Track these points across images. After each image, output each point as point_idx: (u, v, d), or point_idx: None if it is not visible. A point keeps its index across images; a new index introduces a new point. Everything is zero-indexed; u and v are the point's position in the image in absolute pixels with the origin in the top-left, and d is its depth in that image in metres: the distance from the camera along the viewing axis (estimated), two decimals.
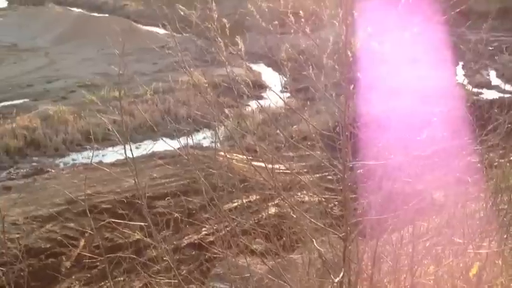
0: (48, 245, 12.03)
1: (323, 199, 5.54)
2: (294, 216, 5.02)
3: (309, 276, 4.39)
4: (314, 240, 3.20)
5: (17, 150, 21.31)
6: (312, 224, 4.26)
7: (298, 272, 5.65)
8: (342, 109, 3.00)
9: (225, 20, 4.50)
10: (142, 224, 4.60)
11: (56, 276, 10.56)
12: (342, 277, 2.99)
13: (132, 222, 4.84)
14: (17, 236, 12.22)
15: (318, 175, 6.72)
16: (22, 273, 10.33)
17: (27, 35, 48.81)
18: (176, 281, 4.62)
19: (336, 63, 3.25)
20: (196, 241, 11.69)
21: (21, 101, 29.05)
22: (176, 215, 8.06)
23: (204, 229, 12.13)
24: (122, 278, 10.23)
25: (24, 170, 19.01)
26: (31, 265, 10.71)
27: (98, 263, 10.94)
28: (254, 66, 26.54)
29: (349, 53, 2.86)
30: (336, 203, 9.46)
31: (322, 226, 3.53)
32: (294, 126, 15.06)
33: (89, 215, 4.90)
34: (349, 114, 3.04)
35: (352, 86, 3.02)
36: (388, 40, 3.37)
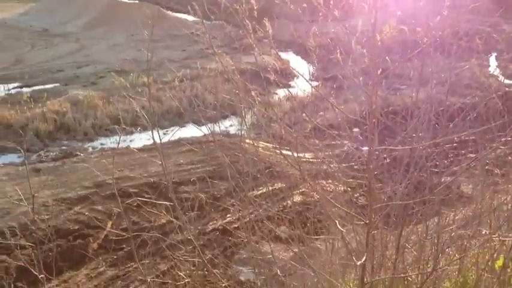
0: (76, 227, 12.30)
1: (348, 188, 5.53)
2: (319, 203, 5.04)
3: (332, 262, 4.42)
4: (339, 226, 3.22)
5: (47, 133, 21.78)
6: (337, 212, 4.28)
7: (322, 258, 5.69)
8: (369, 95, 3.00)
9: (253, 1, 4.50)
10: (168, 203, 4.67)
11: (83, 257, 10.81)
12: (365, 261, 3.01)
13: (160, 202, 4.92)
14: (46, 217, 12.53)
15: (344, 164, 6.71)
16: (50, 253, 10.65)
17: (58, 21, 49.58)
18: (200, 260, 4.69)
19: (365, 49, 3.24)
20: (220, 226, 11.80)
21: (51, 85, 29.62)
22: (202, 198, 8.19)
23: (228, 215, 12.26)
24: (147, 261, 10.38)
25: (54, 153, 19.43)
26: (59, 246, 10.97)
27: (124, 245, 11.14)
28: (282, 54, 26.47)
29: (378, 37, 2.86)
30: (362, 192, 9.45)
31: (348, 211, 3.55)
32: (320, 113, 15.05)
33: (118, 198, 4.98)
34: (377, 101, 3.04)
35: (379, 72, 3.01)
36: (418, 27, 3.35)
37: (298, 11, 4.06)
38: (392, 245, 4.33)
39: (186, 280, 5.14)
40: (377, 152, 3.18)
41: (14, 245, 5.96)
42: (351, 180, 4.38)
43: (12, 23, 50.16)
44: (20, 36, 44.14)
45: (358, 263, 2.91)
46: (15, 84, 30.18)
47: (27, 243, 6.13)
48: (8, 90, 29.13)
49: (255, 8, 3.61)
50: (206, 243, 11.88)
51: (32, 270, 4.49)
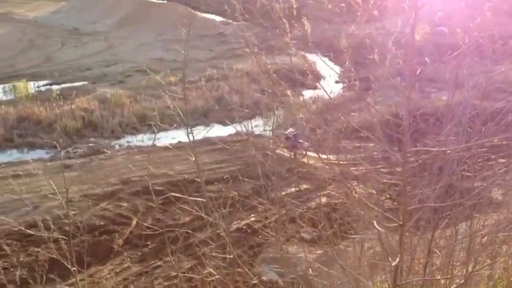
0: (102, 223, 12.46)
1: (374, 191, 5.48)
2: (347, 205, 5.01)
3: (361, 263, 4.39)
4: (377, 227, 3.20)
5: (75, 130, 22.10)
6: (364, 214, 4.25)
7: (349, 260, 5.66)
8: (406, 96, 2.98)
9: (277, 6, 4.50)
10: (200, 200, 4.70)
11: (109, 252, 10.96)
12: (398, 262, 2.98)
13: (191, 198, 4.95)
14: (73, 212, 12.74)
15: (372, 167, 6.65)
16: (77, 247, 10.80)
17: (88, 20, 50.30)
18: (230, 256, 4.71)
19: (399, 51, 3.22)
20: (244, 226, 11.83)
21: (80, 83, 30.07)
22: (228, 197, 8.23)
23: (253, 215, 12.29)
24: (172, 258, 10.46)
25: (82, 150, 19.71)
26: (85, 240, 11.13)
27: (149, 242, 11.25)
28: (310, 56, 26.35)
29: (416, 37, 2.83)
30: (388, 195, 9.35)
31: (383, 213, 3.52)
32: (353, 114, 14.97)
33: (154, 196, 5.02)
34: (411, 102, 3.02)
35: (415, 73, 2.98)
36: (455, 29, 3.31)
37: (327, 12, 4.06)
38: (420, 249, 4.29)
39: (216, 277, 5.15)
40: (409, 155, 3.15)
41: (47, 238, 6.07)
42: (382, 182, 4.32)
43: (44, 21, 51.08)
44: (51, 34, 44.94)
45: (394, 263, 2.88)
46: (45, 82, 30.74)
47: (61, 237, 6.22)
48: (38, 87, 29.71)
49: (293, 7, 3.61)
50: (230, 242, 11.95)
51: (65, 263, 4.57)
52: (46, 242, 11.56)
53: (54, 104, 23.95)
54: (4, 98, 27.05)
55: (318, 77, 20.84)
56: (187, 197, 5.03)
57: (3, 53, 37.74)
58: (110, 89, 27.36)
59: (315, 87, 18.32)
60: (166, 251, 10.48)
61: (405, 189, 3.08)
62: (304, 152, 18.83)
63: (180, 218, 12.67)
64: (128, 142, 21.47)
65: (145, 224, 12.35)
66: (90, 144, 20.84)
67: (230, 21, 46.13)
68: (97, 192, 14.04)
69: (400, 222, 3.09)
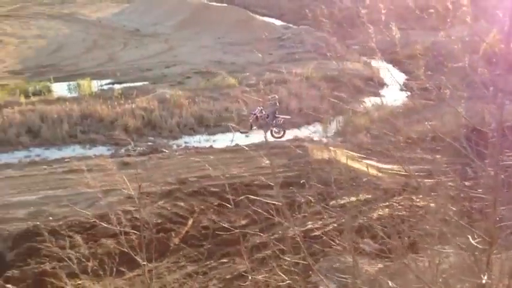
0: (159, 220, 12.68)
1: (447, 205, 5.28)
2: (414, 218, 4.87)
3: (436, 280, 4.21)
4: (459, 243, 3.06)
5: (135, 129, 22.67)
6: (438, 229, 4.09)
7: (410, 276, 5.48)
8: (497, 106, 2.85)
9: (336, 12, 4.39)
10: (272, 201, 4.68)
11: (165, 250, 11.13)
12: (485, 282, 2.84)
13: (269, 201, 4.94)
14: (132, 208, 13.04)
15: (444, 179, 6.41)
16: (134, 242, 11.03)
17: (149, 21, 51.56)
18: (305, 262, 4.66)
19: (478, 60, 3.10)
20: (302, 233, 11.73)
21: (141, 83, 30.85)
22: (282, 203, 8.19)
23: (310, 222, 12.16)
24: (225, 260, 10.55)
25: (141, 148, 20.18)
26: (143, 237, 11.35)
27: (205, 243, 11.33)
28: (373, 62, 25.96)
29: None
30: (465, 209, 9.04)
31: (467, 227, 3.38)
32: (428, 122, 14.51)
33: (232, 198, 5.04)
34: (503, 114, 2.88)
35: (508, 84, 2.85)
36: None
37: (393, 18, 3.95)
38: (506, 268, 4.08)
39: (287, 282, 5.11)
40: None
41: (118, 231, 6.30)
42: (456, 195, 4.16)
43: (107, 22, 52.75)
44: (114, 35, 46.35)
45: (484, 280, 2.75)
46: (108, 81, 31.72)
47: (132, 231, 6.44)
48: (101, 86, 30.69)
49: (358, 13, 3.54)
50: (284, 249, 11.88)
51: (136, 257, 4.66)
52: (107, 235, 11.92)
53: (116, 103, 24.67)
54: (69, 96, 28.07)
55: (381, 84, 20.47)
56: (262, 199, 5.00)
57: (69, 52, 39.25)
58: (169, 89, 27.89)
59: (378, 95, 17.97)
60: (222, 252, 10.61)
61: (495, 204, 2.94)
62: (282, 132, 17.78)
63: (236, 221, 12.73)
64: (186, 142, 21.81)
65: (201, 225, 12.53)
66: (149, 143, 21.32)
67: (290, 25, 46.23)
68: (155, 191, 14.30)
69: (489, 240, 2.95)
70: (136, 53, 39.31)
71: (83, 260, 7.07)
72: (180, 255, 11.04)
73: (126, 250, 6.40)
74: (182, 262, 10.81)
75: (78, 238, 10.62)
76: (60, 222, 12.82)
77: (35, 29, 47.65)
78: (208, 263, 10.61)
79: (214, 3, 55.05)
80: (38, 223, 12.82)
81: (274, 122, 17.45)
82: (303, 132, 20.15)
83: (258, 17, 48.48)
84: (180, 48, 40.36)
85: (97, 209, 13.52)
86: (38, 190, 15.15)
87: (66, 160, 18.51)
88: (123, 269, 7.47)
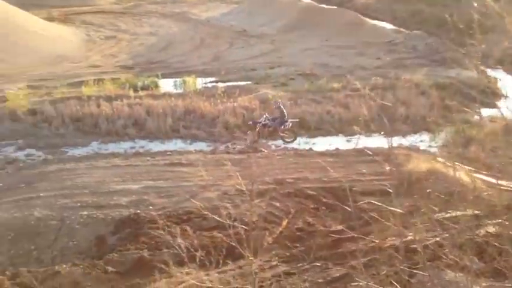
0: (254, 219, 12.88)
1: None
2: None
3: None
4: None
5: (235, 127, 23.25)
6: None
7: None
8: None
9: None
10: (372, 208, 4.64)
11: (258, 249, 11.29)
12: None
13: (394, 209, 4.90)
14: (228, 204, 13.37)
15: None
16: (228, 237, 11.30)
17: (257, 22, 52.54)
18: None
19: None
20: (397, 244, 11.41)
21: (244, 83, 31.56)
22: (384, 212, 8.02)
23: (411, 233, 11.80)
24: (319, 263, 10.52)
25: (240, 146, 20.65)
26: (238, 233, 11.62)
27: (298, 244, 11.39)
28: (490, 71, 24.64)
29: None
30: None
31: None
32: None
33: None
34: None
35: None
36: None
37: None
38: None
39: None
40: None
41: (227, 225, 6.64)
42: None
43: (215, 22, 54.42)
44: (221, 34, 47.75)
45: None
46: (212, 79, 32.76)
47: (240, 226, 6.74)
48: (205, 83, 31.78)
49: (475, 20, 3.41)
50: (378, 259, 11.62)
51: (242, 250, 4.81)
52: (203, 228, 12.36)
53: (218, 101, 25.44)
54: (174, 91, 29.38)
55: (498, 95, 19.41)
56: (383, 205, 4.96)
57: (177, 49, 41.06)
58: (272, 90, 28.28)
59: (495, 106, 17.03)
60: (315, 255, 10.60)
61: None
62: (293, 136, 16.83)
63: (331, 225, 12.67)
64: (285, 144, 21.98)
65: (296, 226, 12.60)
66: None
67: (402, 29, 45.06)
68: (251, 189, 14.56)
69: None
70: (241, 53, 40.25)
71: (187, 250, 7.41)
72: (273, 254, 11.16)
73: (221, 244, 6.62)
74: (274, 262, 10.92)
75: (177, 229, 11.07)
76: (160, 212, 13.46)
77: (147, 27, 50.33)
78: (300, 265, 10.66)
79: (323, 5, 54.90)
80: (138, 211, 13.55)
81: (282, 126, 17.09)
82: (409, 140, 19.55)
83: (368, 20, 47.70)
84: (286, 50, 40.74)
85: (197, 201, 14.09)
86: (141, 180, 16.00)
87: (168, 153, 19.45)
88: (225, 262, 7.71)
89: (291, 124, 16.53)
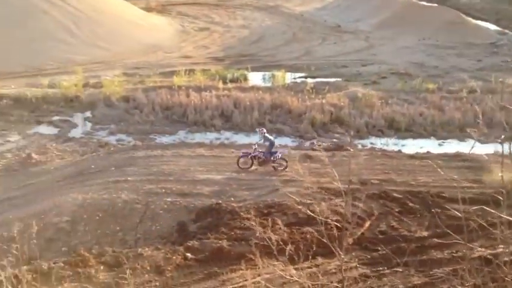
0: (335, 218, 12.77)
1: None
2: None
3: None
4: None
5: (321, 124, 23.20)
6: None
7: None
8: None
9: None
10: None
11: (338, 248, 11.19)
12: None
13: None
14: (309, 202, 13.36)
15: None
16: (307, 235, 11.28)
17: (351, 18, 51.84)
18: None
19: None
20: (490, 256, 10.88)
21: (334, 79, 31.36)
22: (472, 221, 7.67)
23: (501, 246, 11.23)
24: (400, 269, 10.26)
25: (325, 144, 20.53)
26: (318, 231, 11.59)
27: (379, 248, 11.17)
28: None
29: None
30: None
31: None
32: None
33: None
34: None
35: None
36: None
37: None
38: None
39: None
40: None
41: (319, 221, 6.70)
42: None
43: (309, 16, 54.25)
44: (313, 29, 47.58)
45: None
46: (301, 74, 32.82)
47: (335, 223, 6.79)
48: (294, 78, 31.90)
49: None
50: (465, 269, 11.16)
51: (333, 248, 4.80)
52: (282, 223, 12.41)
53: (306, 96, 25.49)
54: (263, 85, 29.73)
55: None
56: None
57: (269, 43, 41.39)
58: (362, 88, 27.90)
59: None
60: (396, 261, 10.33)
61: None
62: (285, 164, 16.35)
63: (416, 231, 12.31)
64: (372, 144, 21.62)
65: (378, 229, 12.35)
66: (334, 140, 21.62)
67: (507, 31, 42.80)
68: (333, 188, 14.43)
69: None
70: (333, 49, 39.93)
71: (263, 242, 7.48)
72: (353, 256, 11.00)
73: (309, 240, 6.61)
74: (354, 263, 10.78)
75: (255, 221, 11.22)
76: (240, 204, 13.66)
77: (240, 19, 51.12)
78: (381, 268, 10.45)
79: (423, 3, 53.21)
80: (220, 202, 13.83)
81: (272, 158, 16.56)
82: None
83: (471, 20, 45.71)
84: (380, 47, 39.97)
85: (277, 197, 14.19)
86: (224, 171, 16.30)
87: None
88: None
89: (280, 155, 16.46)
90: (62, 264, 10.30)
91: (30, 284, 6.85)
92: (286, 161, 16.26)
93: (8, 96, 25.49)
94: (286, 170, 16.01)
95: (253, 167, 16.31)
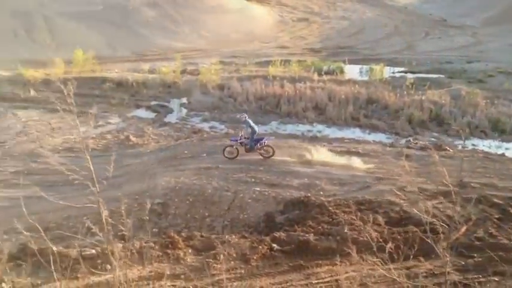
0: (429, 220, 12.33)
1: None
2: None
3: None
4: None
5: (419, 121, 22.43)
6: None
7: None
8: None
9: None
10: None
11: (429, 251, 10.82)
12: None
13: None
14: (402, 201, 12.98)
15: None
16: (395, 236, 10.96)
17: (458, 12, 49.71)
18: None
19: None
20: None
21: (436, 75, 30.18)
22: None
23: None
24: (497, 278, 9.72)
25: (422, 142, 19.81)
26: (407, 231, 11.25)
27: (475, 255, 10.64)
28: None
29: None
30: None
31: None
32: None
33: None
34: None
35: None
36: None
37: None
38: None
39: None
40: None
41: (425, 221, 6.55)
42: None
43: (413, 9, 52.71)
44: (417, 23, 46.13)
45: None
46: (401, 69, 31.93)
47: (442, 224, 6.59)
48: (393, 73, 31.08)
49: None
50: None
51: (438, 250, 4.62)
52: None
53: (405, 92, 24.72)
54: (359, 79, 29.22)
55: None
56: None
57: (368, 36, 40.65)
58: (466, 86, 26.72)
59: None
60: (494, 270, 9.80)
61: None
62: (272, 152, 15.75)
63: None
64: (473, 145, 20.57)
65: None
66: (432, 139, 20.82)
67: None
68: (430, 188, 13.93)
69: None
70: (437, 44, 38.53)
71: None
72: (446, 261, 10.56)
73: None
74: (449, 268, 10.33)
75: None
76: (329, 199, 13.50)
77: (340, 11, 50.56)
78: (476, 276, 9.95)
79: None
80: (309, 195, 13.74)
81: (258, 144, 15.71)
82: None
83: None
84: (488, 44, 38.03)
85: (368, 194, 13.89)
86: (314, 164, 16.15)
87: (345, 141, 19.40)
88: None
89: (266, 142, 15.98)
90: (153, 245, 10.67)
91: (124, 261, 7.15)
92: (273, 148, 16.23)
93: (112, 80, 26.86)
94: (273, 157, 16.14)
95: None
